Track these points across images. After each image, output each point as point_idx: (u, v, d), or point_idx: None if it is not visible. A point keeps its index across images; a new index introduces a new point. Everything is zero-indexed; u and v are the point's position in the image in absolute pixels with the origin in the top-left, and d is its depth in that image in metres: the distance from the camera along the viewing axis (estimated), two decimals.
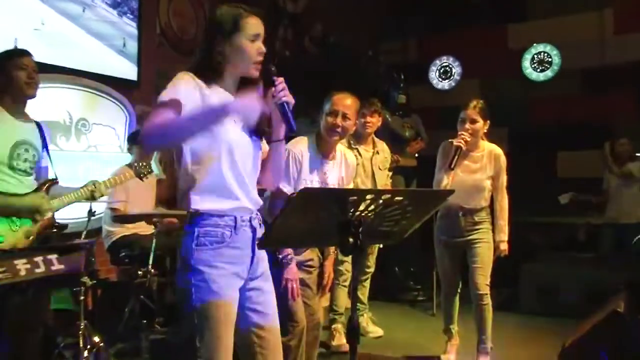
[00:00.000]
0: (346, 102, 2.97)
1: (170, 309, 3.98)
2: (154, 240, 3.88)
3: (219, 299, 1.92)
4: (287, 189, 2.79)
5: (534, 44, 7.45)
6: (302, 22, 7.18)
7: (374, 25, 7.83)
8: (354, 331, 1.77)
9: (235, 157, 1.97)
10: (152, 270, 3.83)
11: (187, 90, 1.89)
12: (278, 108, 1.98)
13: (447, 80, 8.08)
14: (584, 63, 7.12)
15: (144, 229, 4.27)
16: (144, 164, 3.77)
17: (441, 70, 8.11)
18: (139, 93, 5.30)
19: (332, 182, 2.96)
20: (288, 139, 2.41)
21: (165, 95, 1.86)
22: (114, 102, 4.96)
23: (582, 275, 5.20)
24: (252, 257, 2.03)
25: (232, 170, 1.96)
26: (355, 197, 1.65)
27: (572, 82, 7.24)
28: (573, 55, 7.19)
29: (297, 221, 1.71)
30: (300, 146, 2.93)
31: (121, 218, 4.16)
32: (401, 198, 1.70)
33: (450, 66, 8.05)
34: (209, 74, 1.96)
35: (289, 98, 1.97)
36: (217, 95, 1.96)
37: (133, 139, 4.52)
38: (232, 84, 2.03)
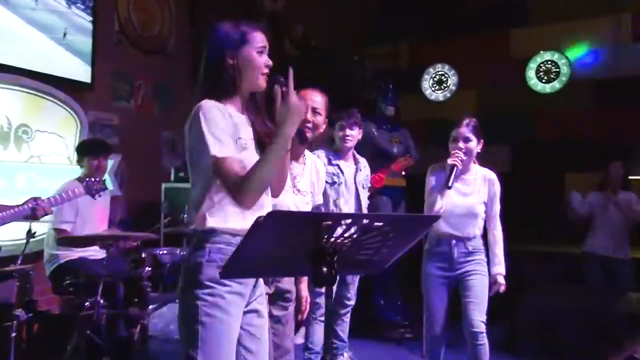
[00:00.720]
0: (315, 96, 3.11)
1: (121, 346, 3.91)
2: (105, 266, 3.81)
3: (225, 315, 2.11)
4: None
5: (540, 52, 7.52)
6: (281, 22, 7.20)
7: (361, 28, 7.88)
8: None
9: None
10: (101, 301, 3.77)
11: (226, 130, 2.12)
12: None
13: (441, 91, 8.13)
14: (596, 73, 7.20)
15: (92, 252, 4.20)
16: (97, 179, 3.71)
17: (435, 79, 8.16)
18: (93, 96, 5.26)
19: (304, 189, 3.01)
20: None
21: (218, 149, 2.08)
22: (62, 107, 4.90)
23: (588, 309, 5.18)
24: (256, 280, 2.24)
25: None
26: (329, 222, 1.65)
27: (582, 95, 7.30)
28: (584, 64, 7.27)
29: (264, 247, 1.71)
30: None
31: (68, 240, 4.08)
32: (381, 223, 1.69)
33: (446, 75, 8.10)
34: (222, 92, 2.20)
35: None
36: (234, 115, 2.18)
37: (83, 149, 4.45)
38: (242, 101, 2.27)
